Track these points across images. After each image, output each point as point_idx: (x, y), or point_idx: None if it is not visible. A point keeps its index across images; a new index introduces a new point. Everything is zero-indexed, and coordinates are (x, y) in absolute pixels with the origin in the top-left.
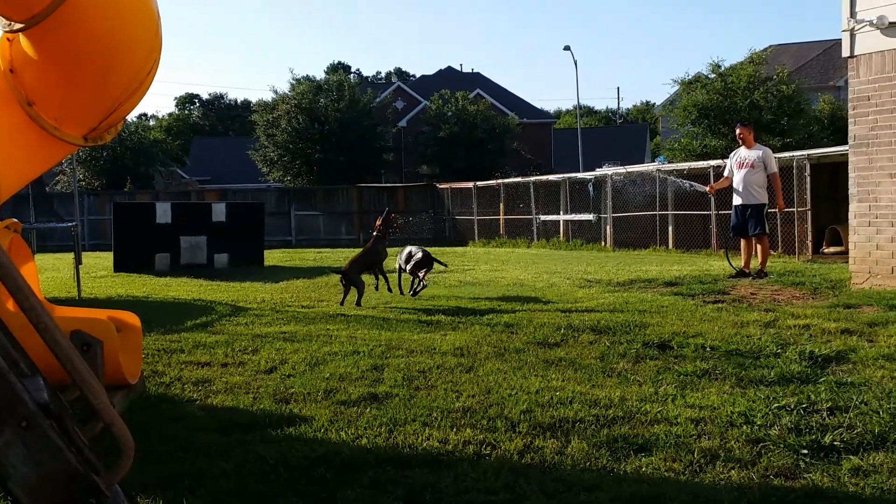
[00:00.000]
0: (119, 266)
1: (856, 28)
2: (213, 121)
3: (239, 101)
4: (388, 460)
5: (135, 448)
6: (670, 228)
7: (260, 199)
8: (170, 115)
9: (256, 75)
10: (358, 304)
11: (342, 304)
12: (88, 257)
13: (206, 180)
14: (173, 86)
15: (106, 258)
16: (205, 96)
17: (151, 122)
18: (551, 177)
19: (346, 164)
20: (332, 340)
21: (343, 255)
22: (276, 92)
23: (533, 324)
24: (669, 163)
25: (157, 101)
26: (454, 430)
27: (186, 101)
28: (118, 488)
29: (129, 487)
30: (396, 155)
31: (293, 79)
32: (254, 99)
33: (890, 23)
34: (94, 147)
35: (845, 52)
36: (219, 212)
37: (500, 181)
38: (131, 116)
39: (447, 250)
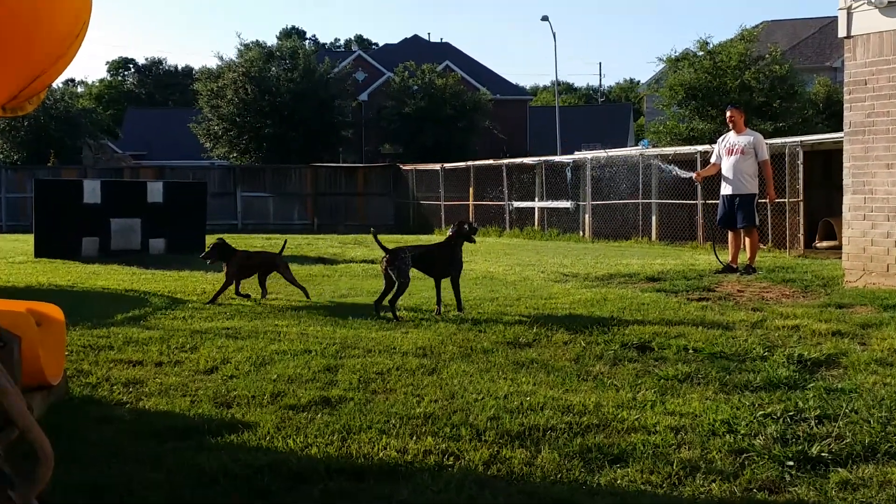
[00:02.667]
0: (40, 251)
1: (853, 6)
2: (149, 89)
3: (179, 67)
4: (340, 471)
5: (55, 454)
6: (654, 218)
7: (202, 177)
8: (101, 81)
9: (199, 39)
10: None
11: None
12: (5, 240)
13: (141, 155)
14: (105, 49)
15: (26, 241)
16: (141, 61)
17: (80, 90)
18: (526, 160)
19: (300, 141)
20: (281, 338)
21: (295, 243)
22: (221, 59)
23: (503, 321)
24: (654, 147)
25: (87, 66)
26: (414, 438)
27: (120, 66)
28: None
29: (50, 496)
30: (356, 132)
31: (241, 44)
32: (196, 66)
33: (889, 1)
34: (14, 117)
35: (841, 32)
36: (155, 191)
37: (470, 163)
38: (57, 83)
39: (410, 238)
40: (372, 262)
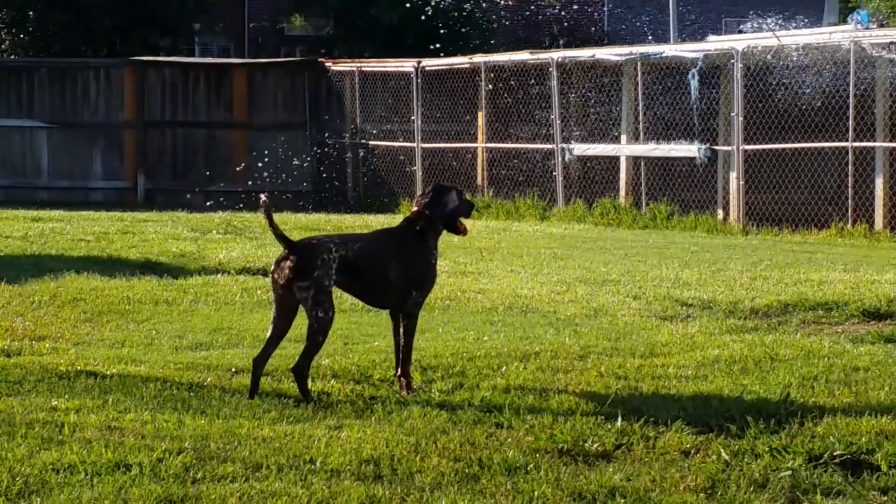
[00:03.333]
0: None
1: None
2: None
3: None
4: None
5: None
6: (879, 183)
7: None
8: None
9: None
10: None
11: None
12: None
13: None
14: None
15: None
16: None
17: None
18: (602, 51)
19: (108, 11)
20: (65, 435)
21: (94, 230)
22: None
23: (548, 404)
24: (879, 25)
25: None
26: None
27: None
28: None
29: None
30: None
31: None
32: None
33: None
34: None
35: None
36: None
37: (478, 58)
38: None
39: (347, 221)
40: (263, 271)
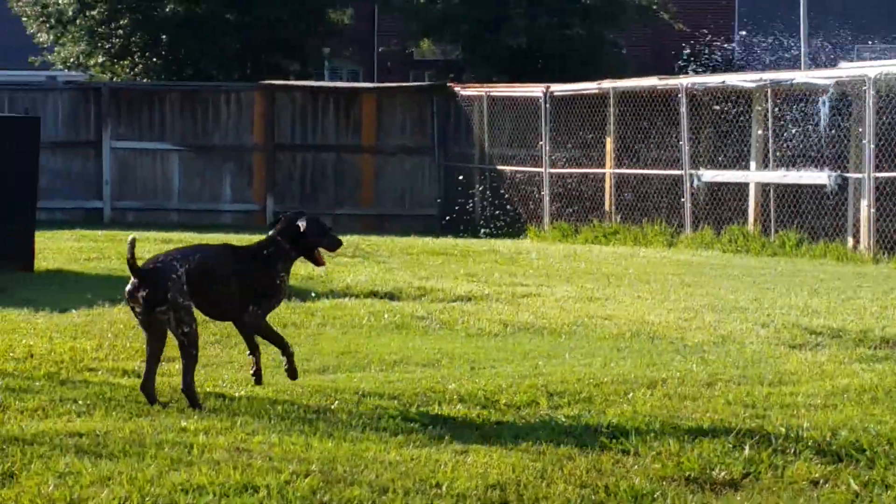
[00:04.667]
0: None
1: None
2: None
3: None
4: None
5: None
6: None
7: (31, 108)
8: None
9: None
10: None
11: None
12: None
13: None
14: None
15: None
16: None
17: None
18: (732, 77)
19: (238, 35)
20: (193, 457)
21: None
22: None
23: (677, 429)
24: None
25: None
26: None
27: None
28: None
29: None
30: (362, 16)
31: None
32: None
33: None
34: None
35: None
36: None
37: (607, 84)
38: None
39: (475, 248)
40: (390, 295)
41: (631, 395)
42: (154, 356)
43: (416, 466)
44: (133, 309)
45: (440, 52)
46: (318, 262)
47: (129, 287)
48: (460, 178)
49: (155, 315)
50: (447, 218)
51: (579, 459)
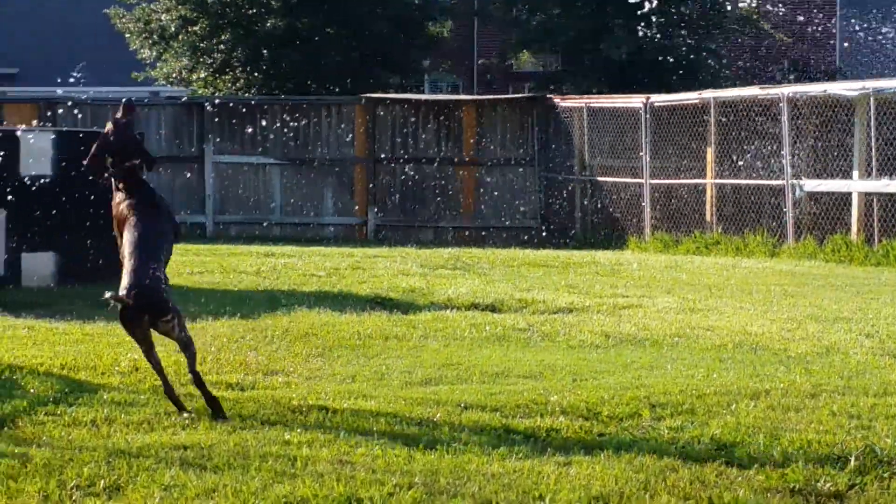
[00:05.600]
0: None
1: None
2: None
3: None
4: None
5: None
6: None
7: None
8: None
9: None
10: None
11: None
12: None
13: (9, 76)
14: None
15: None
16: None
17: None
18: (833, 87)
19: (338, 48)
20: (296, 469)
21: (326, 265)
22: None
23: (780, 441)
24: None
25: None
26: None
27: None
28: None
29: None
30: (461, 29)
31: None
32: None
33: None
34: None
35: None
36: (37, 151)
37: (707, 94)
38: None
39: (576, 259)
40: (492, 307)
41: (734, 406)
42: (160, 363)
43: (519, 478)
44: (136, 330)
45: (540, 63)
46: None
47: (126, 315)
48: (560, 189)
49: (157, 327)
50: (547, 229)
51: (682, 471)
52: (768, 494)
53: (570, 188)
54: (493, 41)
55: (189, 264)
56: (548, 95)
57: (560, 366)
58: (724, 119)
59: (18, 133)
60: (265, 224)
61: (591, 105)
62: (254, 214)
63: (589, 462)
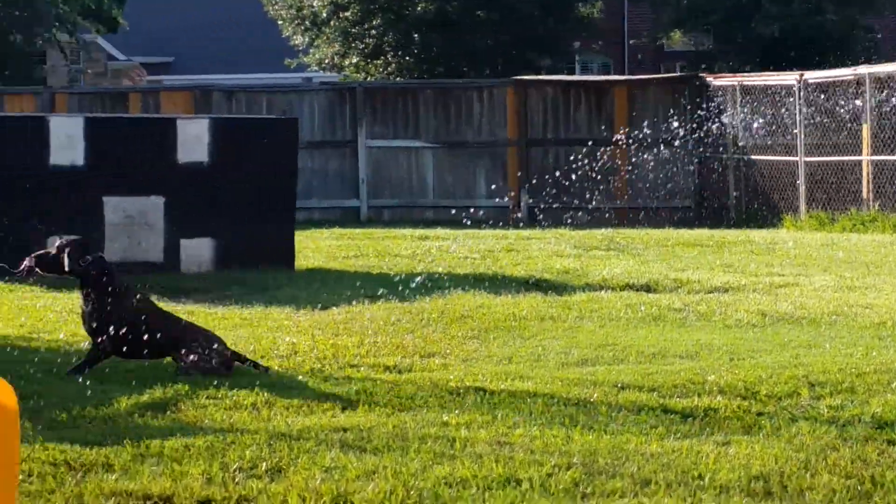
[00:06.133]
0: None
1: None
2: None
3: None
4: None
5: None
6: None
7: (288, 110)
8: None
9: None
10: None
11: None
12: None
13: (163, 65)
14: None
15: None
16: None
17: None
18: None
19: (488, 31)
20: (455, 450)
21: (480, 248)
22: None
23: None
24: None
25: None
26: None
27: None
28: None
29: None
30: (612, 10)
31: None
32: None
33: None
34: None
35: None
36: (193, 138)
37: (862, 69)
38: None
39: (730, 238)
40: (647, 287)
41: (895, 384)
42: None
43: (678, 458)
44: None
45: (691, 42)
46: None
47: None
48: (713, 168)
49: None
50: (701, 209)
51: (843, 450)
52: None
53: (723, 167)
54: (644, 21)
55: (344, 248)
56: (700, 74)
57: (716, 345)
58: (879, 94)
59: (178, 121)
60: (418, 207)
61: (744, 83)
62: (407, 198)
63: (748, 441)
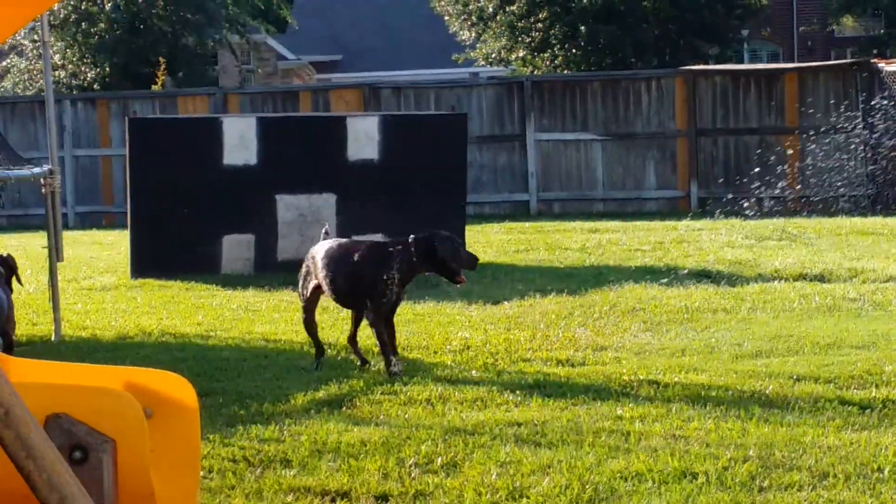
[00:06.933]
0: (142, 264)
1: None
2: None
3: None
4: None
5: None
6: None
7: (456, 105)
8: None
9: None
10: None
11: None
12: (77, 242)
13: (333, 63)
14: None
15: (115, 246)
16: None
17: None
18: None
19: (655, 21)
20: (630, 444)
21: (649, 239)
22: None
23: None
24: None
25: None
26: None
27: None
28: None
29: None
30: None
31: None
32: None
33: None
34: None
35: None
36: (363, 135)
37: None
38: None
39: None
40: (820, 277)
41: None
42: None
43: (856, 450)
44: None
45: (861, 28)
46: (457, 280)
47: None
48: (888, 155)
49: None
50: (875, 196)
51: None
52: None
53: None
54: (814, 7)
55: (515, 242)
56: (871, 60)
57: (894, 335)
58: None
59: (348, 119)
60: (588, 200)
61: None
62: (576, 191)
63: None
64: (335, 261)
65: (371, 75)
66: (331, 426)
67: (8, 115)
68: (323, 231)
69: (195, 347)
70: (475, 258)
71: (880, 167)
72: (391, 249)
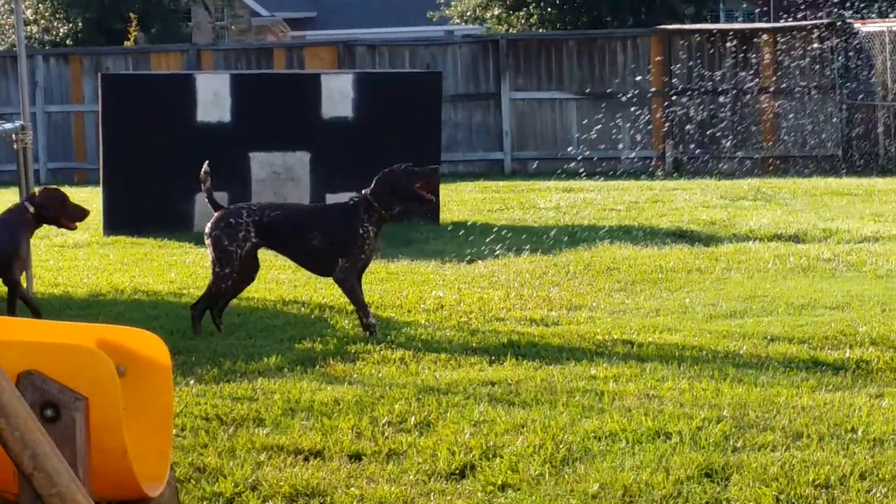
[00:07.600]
0: (115, 221)
1: None
2: None
3: None
4: None
5: None
6: None
7: (431, 63)
8: None
9: None
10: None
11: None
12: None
13: (306, 20)
14: None
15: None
16: None
17: None
18: None
19: None
20: (604, 404)
21: (627, 199)
22: None
23: None
24: None
25: None
26: None
27: None
28: None
29: None
30: None
31: None
32: None
33: None
34: None
35: None
36: (337, 93)
37: None
38: None
39: (881, 187)
40: (795, 237)
41: None
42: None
43: (830, 411)
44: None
45: None
46: (425, 199)
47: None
48: (862, 116)
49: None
50: (849, 157)
51: None
52: None
53: (872, 115)
54: None
55: (489, 201)
56: (848, 20)
57: (868, 296)
58: None
59: (322, 76)
60: (563, 159)
61: (894, 28)
62: (551, 150)
63: None
64: (300, 225)
65: (345, 32)
66: (304, 385)
67: None
68: (203, 170)
69: (168, 305)
70: (435, 168)
71: (855, 128)
72: (352, 203)
